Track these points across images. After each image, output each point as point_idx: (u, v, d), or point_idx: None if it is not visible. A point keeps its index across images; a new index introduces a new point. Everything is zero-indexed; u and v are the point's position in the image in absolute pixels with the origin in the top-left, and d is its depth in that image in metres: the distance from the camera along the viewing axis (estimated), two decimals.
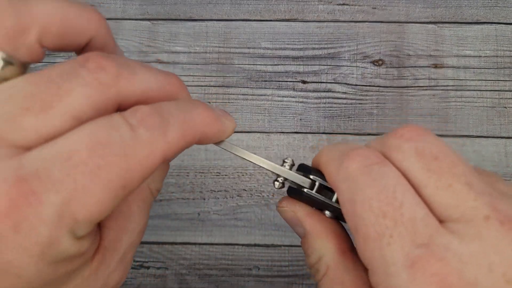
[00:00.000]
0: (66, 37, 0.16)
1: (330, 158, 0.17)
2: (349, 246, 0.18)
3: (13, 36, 0.15)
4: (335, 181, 0.16)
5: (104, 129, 0.14)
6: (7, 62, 0.15)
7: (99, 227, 0.17)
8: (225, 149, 0.18)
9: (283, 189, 0.19)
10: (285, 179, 0.18)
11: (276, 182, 0.18)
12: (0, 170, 0.13)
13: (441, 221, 0.14)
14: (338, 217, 0.18)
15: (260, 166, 0.18)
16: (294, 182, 0.18)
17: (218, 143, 0.18)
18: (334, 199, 0.17)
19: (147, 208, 0.18)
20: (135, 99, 0.16)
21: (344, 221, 0.18)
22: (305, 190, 0.18)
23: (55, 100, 0.14)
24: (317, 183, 0.17)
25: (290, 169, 0.18)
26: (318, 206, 0.18)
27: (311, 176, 0.18)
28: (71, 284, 0.15)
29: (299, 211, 0.18)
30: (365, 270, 0.17)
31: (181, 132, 0.16)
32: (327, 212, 0.18)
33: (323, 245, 0.18)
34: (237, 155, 0.18)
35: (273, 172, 0.18)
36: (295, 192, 0.18)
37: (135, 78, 0.16)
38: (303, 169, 0.18)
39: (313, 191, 0.17)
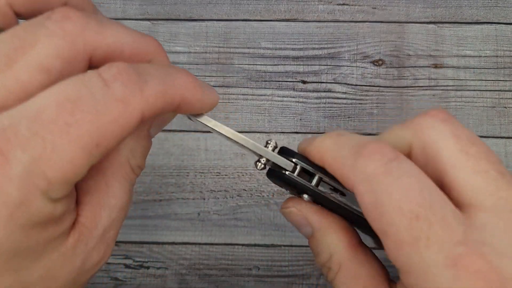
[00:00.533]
0: (37, 0, 0.16)
1: (339, 155, 0.16)
2: (358, 240, 0.17)
3: None
4: (351, 182, 0.15)
5: (74, 85, 0.14)
6: None
7: (76, 203, 0.16)
8: (205, 125, 0.18)
9: (264, 171, 0.19)
10: (268, 160, 0.18)
11: (258, 163, 0.18)
12: None
13: (465, 207, 0.14)
14: (316, 200, 0.18)
15: (244, 146, 0.17)
16: (276, 164, 0.18)
17: (197, 116, 0.17)
18: (313, 182, 0.17)
19: (127, 185, 0.17)
20: (106, 54, 0.15)
21: (321, 204, 0.18)
22: (287, 172, 0.17)
23: (19, 53, 0.14)
24: (298, 167, 0.17)
25: (273, 151, 0.18)
26: (297, 189, 0.18)
27: (294, 160, 0.17)
28: (46, 259, 0.15)
29: (306, 209, 0.18)
30: (377, 261, 0.17)
31: (160, 89, 0.15)
32: (305, 196, 0.17)
33: (333, 242, 0.17)
34: (219, 132, 0.18)
35: (255, 153, 0.18)
36: (275, 174, 0.18)
37: (105, 30, 0.15)
38: (286, 152, 0.18)
39: (295, 174, 0.17)
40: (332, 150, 0.17)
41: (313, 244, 0.18)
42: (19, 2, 0.15)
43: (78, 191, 0.16)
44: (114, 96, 0.14)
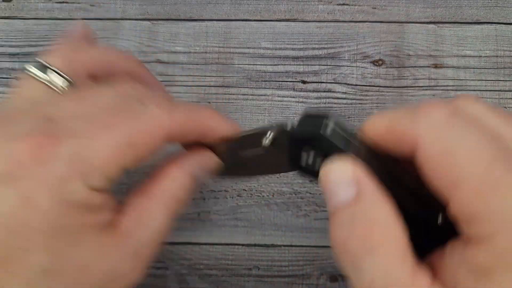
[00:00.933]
0: (106, 69, 0.22)
1: (395, 118, 0.16)
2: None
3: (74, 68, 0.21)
4: (413, 137, 0.14)
5: (118, 97, 0.18)
6: (70, 82, 0.20)
7: (120, 213, 0.18)
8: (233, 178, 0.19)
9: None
10: (279, 132, 0.18)
11: (264, 139, 0.18)
12: (34, 125, 0.16)
13: None
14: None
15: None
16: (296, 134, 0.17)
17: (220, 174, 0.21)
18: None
19: (168, 213, 0.19)
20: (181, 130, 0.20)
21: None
22: (328, 128, 0.15)
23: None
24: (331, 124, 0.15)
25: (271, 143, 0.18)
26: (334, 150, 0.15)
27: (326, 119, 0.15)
28: (82, 247, 0.16)
29: (357, 169, 0.15)
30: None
31: (186, 113, 0.19)
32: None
33: (379, 210, 0.15)
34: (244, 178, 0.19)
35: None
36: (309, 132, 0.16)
37: (178, 118, 0.19)
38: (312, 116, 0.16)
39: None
40: (384, 120, 0.16)
41: (351, 212, 0.15)
42: (93, 67, 0.21)
43: (125, 205, 0.19)
44: (148, 112, 0.18)
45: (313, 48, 0.36)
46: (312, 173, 0.16)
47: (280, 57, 0.36)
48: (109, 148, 0.17)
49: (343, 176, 0.15)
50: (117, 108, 0.18)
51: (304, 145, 0.16)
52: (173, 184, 0.20)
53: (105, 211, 0.17)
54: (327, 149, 0.15)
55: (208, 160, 0.21)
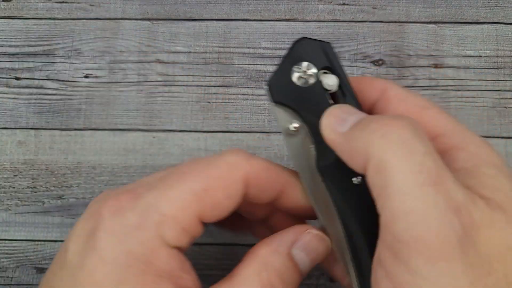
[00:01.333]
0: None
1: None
2: None
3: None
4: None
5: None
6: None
7: None
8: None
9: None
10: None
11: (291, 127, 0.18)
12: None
13: None
14: None
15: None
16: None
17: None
18: None
19: None
20: None
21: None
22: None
23: None
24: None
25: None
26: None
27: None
28: None
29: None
30: None
31: (265, 164, 0.18)
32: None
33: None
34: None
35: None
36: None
37: None
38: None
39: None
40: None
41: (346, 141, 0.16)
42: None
43: None
44: (224, 158, 0.17)
45: None
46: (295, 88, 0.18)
47: (280, 57, 0.35)
48: (183, 195, 0.16)
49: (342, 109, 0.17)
50: (195, 161, 0.18)
51: (302, 61, 0.18)
52: (263, 269, 0.18)
53: (177, 273, 0.17)
54: (330, 62, 0.17)
55: (312, 237, 0.18)
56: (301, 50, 0.18)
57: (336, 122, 0.16)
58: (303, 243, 0.18)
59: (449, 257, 0.12)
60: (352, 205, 0.16)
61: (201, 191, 0.16)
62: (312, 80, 0.18)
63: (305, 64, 0.18)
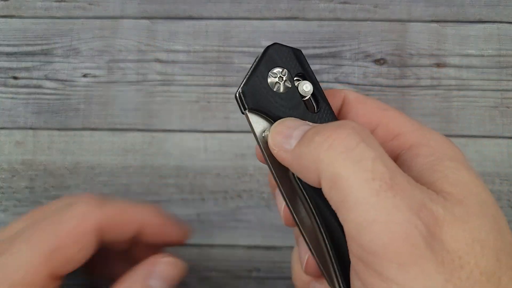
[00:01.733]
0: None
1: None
2: None
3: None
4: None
5: (47, 206, 0.20)
6: None
7: None
8: None
9: None
10: None
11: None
12: None
13: None
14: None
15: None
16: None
17: None
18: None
19: None
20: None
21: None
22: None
23: None
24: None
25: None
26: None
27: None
28: None
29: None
30: None
31: (119, 208, 0.19)
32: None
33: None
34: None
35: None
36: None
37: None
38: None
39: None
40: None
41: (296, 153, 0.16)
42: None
43: None
44: (73, 210, 0.17)
45: (314, 47, 0.35)
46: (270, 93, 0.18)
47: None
48: (32, 259, 0.16)
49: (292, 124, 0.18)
50: (44, 215, 0.18)
51: (276, 66, 0.18)
52: None
53: None
54: (303, 69, 0.18)
55: (165, 265, 0.19)
56: (274, 56, 0.18)
57: (281, 141, 0.17)
58: (158, 273, 0.19)
59: (419, 259, 0.12)
60: (332, 210, 0.15)
61: (50, 252, 0.16)
62: (287, 86, 0.18)
63: (280, 70, 0.18)
